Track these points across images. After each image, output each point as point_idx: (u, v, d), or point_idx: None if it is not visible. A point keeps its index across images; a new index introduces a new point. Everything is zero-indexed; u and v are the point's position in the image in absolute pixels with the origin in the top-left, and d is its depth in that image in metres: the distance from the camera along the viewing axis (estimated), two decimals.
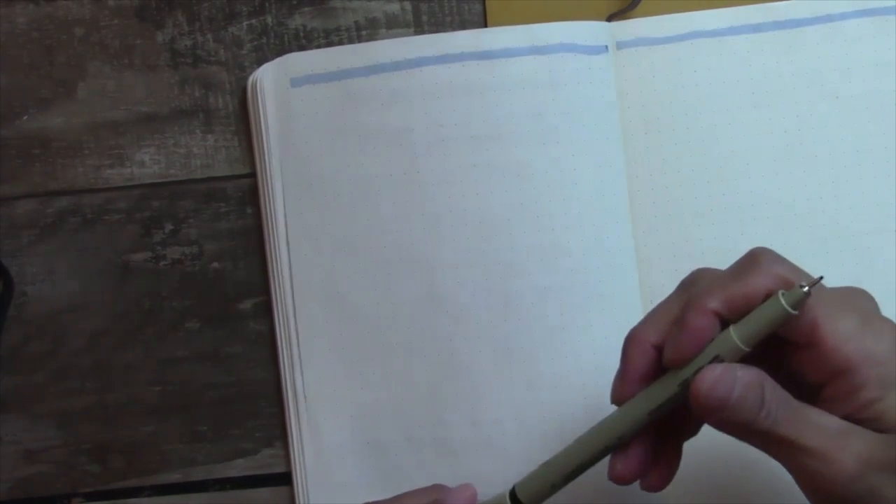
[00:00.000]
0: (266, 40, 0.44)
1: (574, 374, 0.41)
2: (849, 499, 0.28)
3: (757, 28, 0.42)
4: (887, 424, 0.28)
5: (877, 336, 0.29)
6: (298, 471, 0.42)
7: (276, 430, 0.43)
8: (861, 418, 0.29)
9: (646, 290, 0.42)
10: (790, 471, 0.29)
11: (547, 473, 0.33)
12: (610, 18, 0.43)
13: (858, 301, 0.31)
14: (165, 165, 0.44)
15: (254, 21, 0.44)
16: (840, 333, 0.29)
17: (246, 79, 0.44)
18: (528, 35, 0.41)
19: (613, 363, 0.41)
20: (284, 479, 0.43)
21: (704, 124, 0.42)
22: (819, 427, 0.29)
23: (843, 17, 0.42)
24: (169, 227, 0.44)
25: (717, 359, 0.29)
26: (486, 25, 0.43)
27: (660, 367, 0.31)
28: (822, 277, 0.29)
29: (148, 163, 0.44)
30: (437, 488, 0.36)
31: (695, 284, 0.31)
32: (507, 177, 0.42)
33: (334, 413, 0.42)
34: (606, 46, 0.42)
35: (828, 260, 0.42)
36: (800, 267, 0.30)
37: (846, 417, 0.29)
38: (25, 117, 0.44)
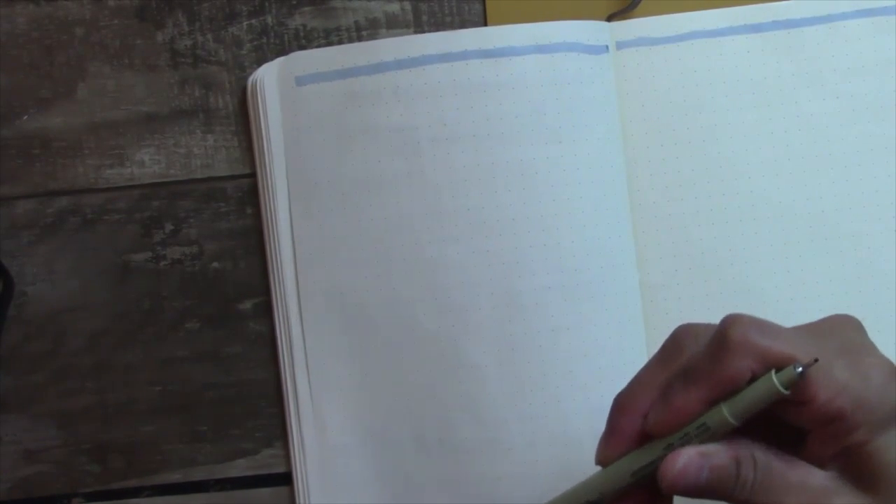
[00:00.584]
0: (266, 40, 0.44)
1: (576, 374, 0.41)
2: None
3: (757, 28, 0.42)
4: (874, 467, 0.29)
5: (866, 379, 0.29)
6: (298, 471, 0.42)
7: (276, 430, 0.43)
8: (852, 460, 0.29)
9: (646, 290, 0.42)
10: None
11: None
12: (610, 18, 0.43)
13: (846, 336, 0.31)
14: (165, 165, 0.44)
15: (254, 21, 0.44)
16: (831, 387, 0.29)
17: (246, 79, 0.44)
18: (531, 34, 0.41)
19: (614, 363, 0.41)
20: (284, 479, 0.43)
21: (704, 124, 0.42)
22: (801, 489, 0.29)
23: (843, 17, 0.42)
24: (169, 227, 0.44)
25: (703, 427, 0.30)
26: (486, 25, 0.43)
27: (645, 433, 0.32)
28: (816, 360, 0.29)
29: (148, 163, 0.44)
30: None
31: (679, 352, 0.31)
32: (510, 176, 0.42)
33: (337, 412, 0.42)
34: (607, 46, 0.42)
35: (828, 260, 0.42)
36: (772, 323, 0.30)
37: (834, 458, 0.30)
38: (25, 117, 0.44)
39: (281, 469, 0.43)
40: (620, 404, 0.32)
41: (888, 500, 0.29)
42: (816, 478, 0.30)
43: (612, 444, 0.32)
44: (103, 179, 0.44)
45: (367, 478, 0.42)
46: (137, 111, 0.44)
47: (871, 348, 0.31)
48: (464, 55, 0.42)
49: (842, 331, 0.31)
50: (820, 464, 0.30)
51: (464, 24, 0.43)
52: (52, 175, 0.44)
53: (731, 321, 0.30)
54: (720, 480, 0.30)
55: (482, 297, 0.42)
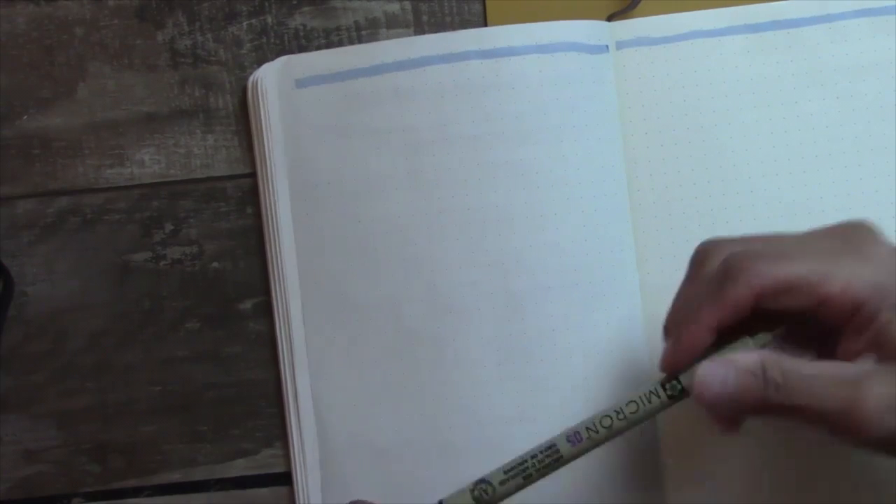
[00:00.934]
0: (266, 40, 0.44)
1: (576, 374, 0.41)
2: (883, 441, 0.29)
3: (757, 28, 0.42)
4: None
5: (876, 265, 0.31)
6: (298, 471, 0.42)
7: (276, 430, 0.43)
8: (882, 342, 0.30)
9: (646, 290, 0.42)
10: (824, 433, 0.30)
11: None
12: (610, 18, 0.43)
13: (855, 234, 0.32)
14: (165, 165, 0.44)
15: (254, 21, 0.44)
16: (841, 279, 0.30)
17: (246, 79, 0.44)
18: (531, 34, 0.41)
19: (614, 363, 0.41)
20: (284, 479, 0.43)
21: (704, 124, 0.42)
22: (835, 384, 0.29)
23: (843, 17, 0.42)
24: (169, 227, 0.44)
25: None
26: (486, 25, 0.43)
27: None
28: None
29: (148, 163, 0.44)
30: None
31: (704, 264, 0.34)
32: (510, 176, 0.42)
33: (337, 412, 0.42)
34: (607, 46, 0.42)
35: None
36: (777, 241, 0.33)
37: (869, 345, 0.30)
38: (25, 117, 0.44)
39: (281, 469, 0.43)
40: (667, 327, 0.35)
41: None
42: (850, 368, 0.30)
43: (673, 352, 0.33)
44: (103, 179, 0.44)
45: (366, 478, 0.42)
46: (137, 111, 0.44)
47: (879, 240, 0.32)
48: (464, 56, 0.42)
49: (851, 231, 0.32)
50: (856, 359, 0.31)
51: (464, 24, 0.43)
52: (52, 175, 0.44)
53: (735, 254, 0.32)
54: (749, 385, 0.30)
55: (482, 298, 0.42)
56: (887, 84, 0.42)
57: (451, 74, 0.42)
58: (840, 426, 0.29)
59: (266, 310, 0.43)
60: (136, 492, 0.43)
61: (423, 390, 0.42)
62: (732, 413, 0.31)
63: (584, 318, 0.41)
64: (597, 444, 0.33)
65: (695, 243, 0.42)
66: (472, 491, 0.33)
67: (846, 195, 0.42)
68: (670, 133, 0.42)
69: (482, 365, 0.41)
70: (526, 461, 0.33)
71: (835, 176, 0.42)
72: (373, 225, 0.42)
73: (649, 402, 0.33)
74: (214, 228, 0.44)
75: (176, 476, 0.43)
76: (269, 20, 0.44)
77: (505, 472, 0.33)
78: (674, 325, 0.34)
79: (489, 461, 0.42)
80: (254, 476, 0.43)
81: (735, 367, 0.31)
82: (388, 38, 0.43)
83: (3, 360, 0.43)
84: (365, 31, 0.44)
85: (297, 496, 0.42)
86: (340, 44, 0.44)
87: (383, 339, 0.42)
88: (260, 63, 0.44)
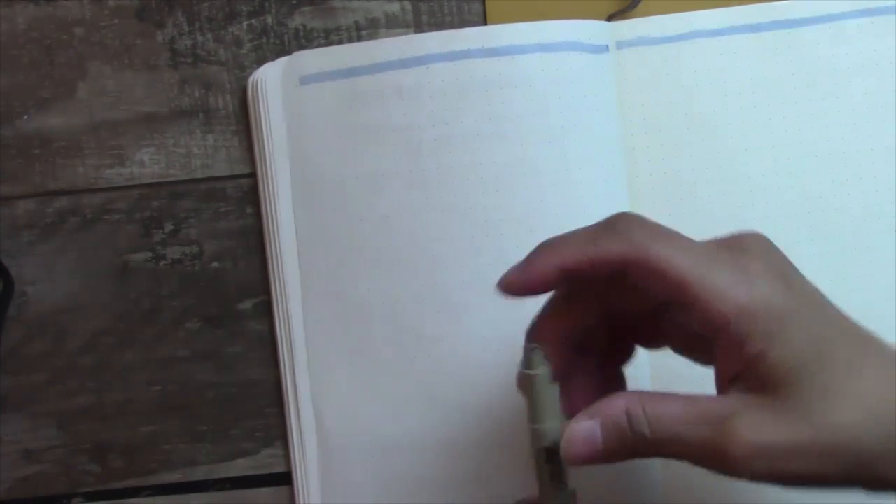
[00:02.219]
0: (266, 40, 0.44)
1: None
2: (758, 479, 0.28)
3: (757, 28, 0.42)
4: (776, 377, 0.28)
5: (751, 286, 0.28)
6: (298, 471, 0.42)
7: (276, 430, 0.43)
8: (752, 377, 0.29)
9: None
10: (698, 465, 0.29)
11: None
12: (610, 18, 0.43)
13: (745, 248, 0.30)
14: (165, 165, 0.44)
15: (254, 21, 0.44)
16: (710, 290, 0.28)
17: (246, 79, 0.44)
18: (534, 32, 0.41)
19: None
20: (284, 479, 0.43)
21: (704, 124, 0.42)
22: (702, 423, 0.28)
23: (843, 17, 0.42)
24: (169, 226, 0.44)
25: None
26: (486, 25, 0.43)
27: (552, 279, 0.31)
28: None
29: (148, 163, 0.44)
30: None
31: (610, 227, 0.31)
32: (511, 175, 0.42)
33: (337, 412, 0.42)
34: (607, 46, 0.42)
35: (828, 260, 0.42)
36: (669, 230, 0.31)
37: (737, 376, 0.29)
38: (25, 117, 0.44)
39: (281, 469, 0.43)
40: (539, 246, 0.32)
41: (794, 406, 0.28)
42: (716, 405, 0.29)
43: (520, 273, 0.32)
44: (103, 179, 0.44)
45: (366, 478, 0.42)
46: (137, 111, 0.44)
47: (770, 259, 0.30)
48: (466, 54, 0.42)
49: (743, 244, 0.30)
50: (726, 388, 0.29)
51: (464, 24, 0.43)
52: (52, 175, 0.44)
53: (628, 217, 0.31)
54: (614, 439, 0.29)
55: (483, 297, 0.41)
56: (887, 84, 0.42)
57: (454, 73, 0.42)
58: (713, 465, 0.28)
59: (266, 310, 0.43)
60: (136, 492, 0.43)
61: (424, 390, 0.42)
62: (606, 463, 0.30)
63: None
64: None
65: None
66: None
67: (846, 195, 0.42)
68: (670, 133, 0.42)
69: (483, 364, 0.41)
70: None
71: (835, 176, 0.42)
72: (373, 223, 0.42)
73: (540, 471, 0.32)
74: (214, 228, 0.44)
75: (176, 476, 0.43)
76: (269, 20, 0.44)
77: None
78: (538, 247, 0.32)
79: (493, 460, 0.42)
80: (254, 476, 0.43)
81: (600, 422, 0.30)
82: (388, 37, 0.43)
83: (3, 360, 0.43)
84: (365, 32, 0.44)
85: (297, 496, 0.42)
86: (340, 44, 0.44)
87: (383, 338, 0.42)
88: (260, 63, 0.44)
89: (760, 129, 0.42)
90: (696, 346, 0.32)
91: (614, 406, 0.30)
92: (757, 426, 0.28)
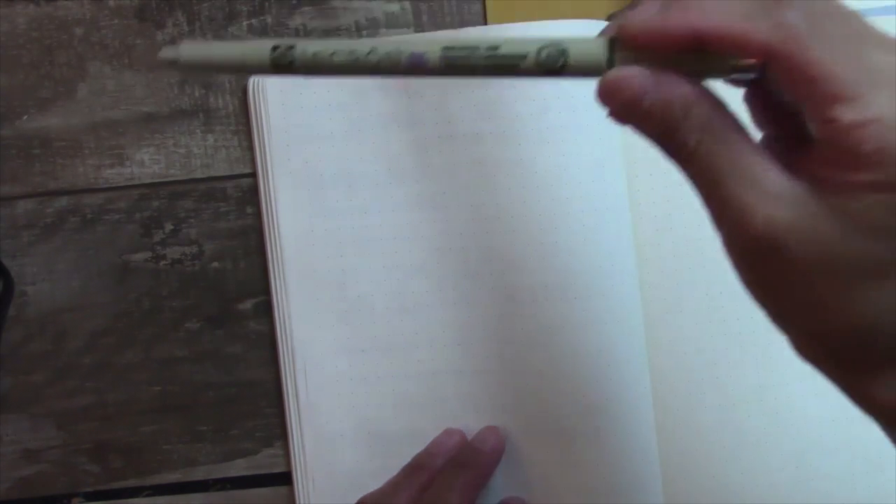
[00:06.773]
0: None
1: (574, 372, 0.41)
2: (759, 251, 0.24)
3: None
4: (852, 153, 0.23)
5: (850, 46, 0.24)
6: (298, 471, 0.42)
7: (276, 430, 0.43)
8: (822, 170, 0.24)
9: (646, 290, 0.42)
10: (709, 210, 0.26)
11: None
12: (610, 18, 0.43)
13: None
14: (165, 165, 0.44)
15: (254, 21, 0.44)
16: (815, 52, 0.24)
17: (246, 79, 0.44)
18: (534, 32, 0.41)
19: (613, 362, 0.41)
20: (284, 479, 0.43)
21: None
22: (753, 180, 0.25)
23: None
24: (169, 226, 0.44)
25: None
26: (485, 25, 0.43)
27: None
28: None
29: (148, 163, 0.44)
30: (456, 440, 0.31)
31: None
32: (511, 174, 0.42)
33: (337, 412, 0.42)
34: None
35: None
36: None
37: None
38: (25, 117, 0.44)
39: (281, 469, 0.43)
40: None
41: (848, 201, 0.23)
42: (773, 180, 0.25)
43: (658, 19, 0.25)
44: (103, 179, 0.44)
45: (366, 478, 0.42)
46: (137, 111, 0.44)
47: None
48: None
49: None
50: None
51: (463, 24, 0.43)
52: (52, 175, 0.44)
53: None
54: (663, 113, 0.26)
55: (483, 296, 0.42)
56: None
57: None
58: (731, 222, 0.25)
59: (266, 310, 0.43)
60: (136, 492, 0.43)
61: (424, 390, 0.42)
62: (623, 120, 0.26)
63: (584, 317, 0.41)
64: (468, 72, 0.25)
65: (695, 243, 0.42)
66: (273, 48, 0.25)
67: None
68: None
69: (482, 362, 0.41)
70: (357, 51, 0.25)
71: None
72: (373, 223, 0.42)
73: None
74: (214, 228, 0.44)
75: (176, 476, 0.43)
76: (269, 20, 0.44)
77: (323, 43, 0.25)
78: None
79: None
80: (254, 476, 0.43)
81: (666, 86, 0.25)
82: (389, 37, 0.43)
83: (3, 360, 0.43)
84: (365, 31, 0.44)
85: (297, 496, 0.42)
86: None
87: (383, 338, 0.42)
88: None
89: None
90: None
91: (683, 86, 0.26)
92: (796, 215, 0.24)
